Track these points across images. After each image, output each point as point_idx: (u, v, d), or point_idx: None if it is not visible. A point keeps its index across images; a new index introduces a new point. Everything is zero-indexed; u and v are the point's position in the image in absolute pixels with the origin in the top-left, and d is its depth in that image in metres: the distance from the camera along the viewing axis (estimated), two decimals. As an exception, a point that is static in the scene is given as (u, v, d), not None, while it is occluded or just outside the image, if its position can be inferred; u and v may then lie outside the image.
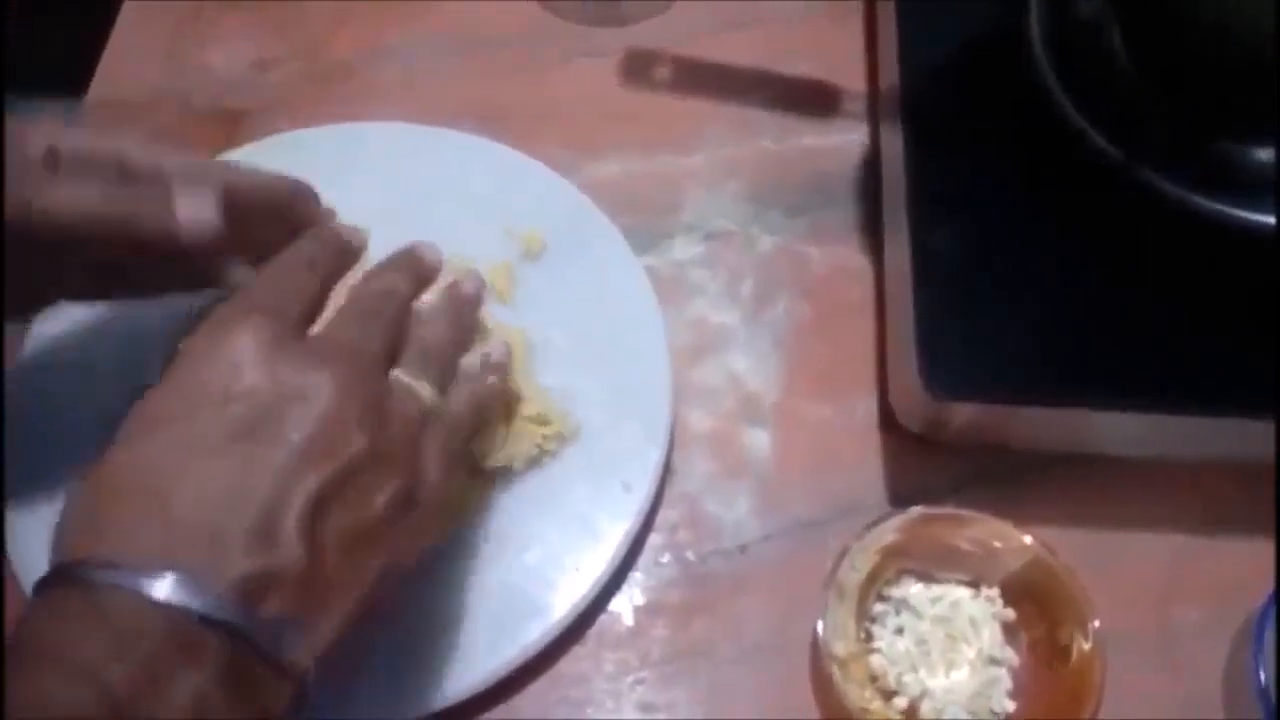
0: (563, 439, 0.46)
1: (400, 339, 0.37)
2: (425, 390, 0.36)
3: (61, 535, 0.31)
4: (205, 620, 0.29)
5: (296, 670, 0.31)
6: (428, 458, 0.35)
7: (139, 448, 0.31)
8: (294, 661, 0.31)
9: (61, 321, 0.49)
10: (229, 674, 0.29)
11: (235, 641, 0.29)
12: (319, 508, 0.31)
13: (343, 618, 0.33)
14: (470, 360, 0.39)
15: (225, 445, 0.31)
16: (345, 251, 0.40)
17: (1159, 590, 0.45)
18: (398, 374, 0.36)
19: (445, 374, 0.38)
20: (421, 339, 0.38)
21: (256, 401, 0.32)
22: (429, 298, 0.40)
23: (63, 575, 0.29)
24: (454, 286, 0.41)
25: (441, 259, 0.41)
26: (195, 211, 0.37)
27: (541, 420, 0.46)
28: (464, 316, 0.40)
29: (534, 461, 0.46)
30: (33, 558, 0.43)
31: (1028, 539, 0.41)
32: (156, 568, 0.29)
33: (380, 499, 0.33)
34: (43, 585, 0.30)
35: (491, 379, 0.40)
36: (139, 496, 0.30)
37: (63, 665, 0.28)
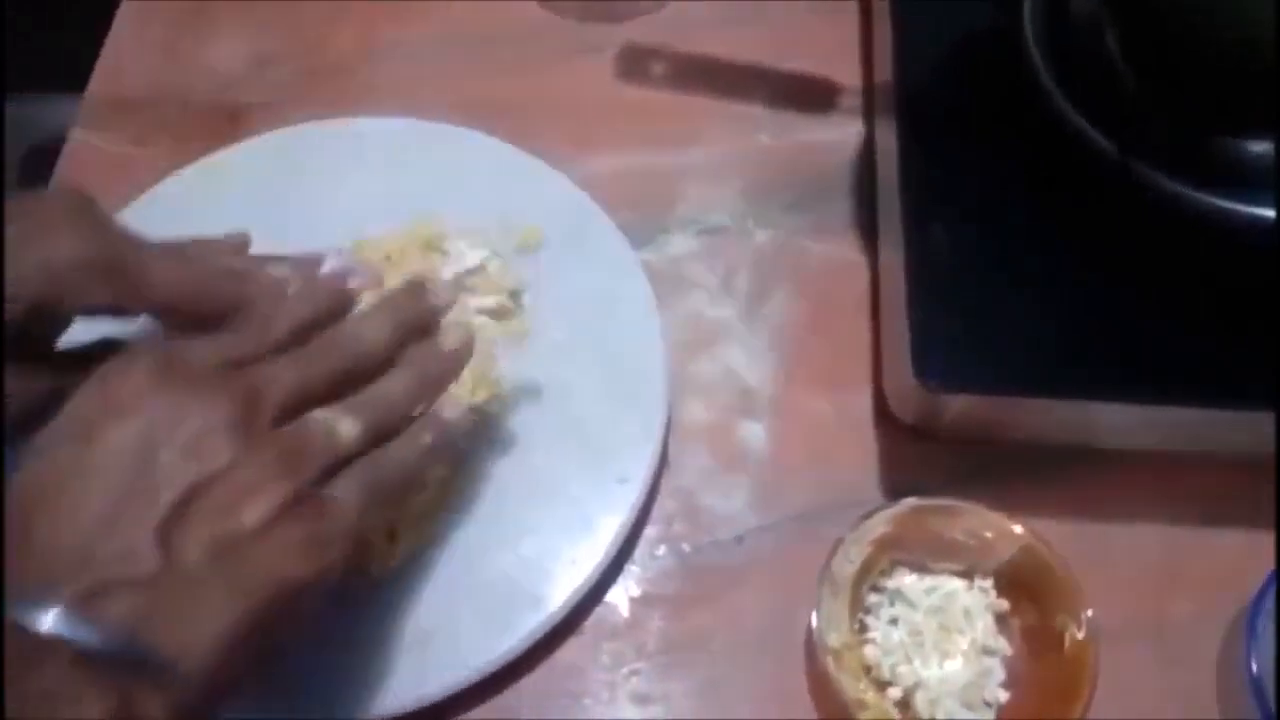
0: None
1: (350, 383, 0.37)
2: (346, 426, 0.35)
3: None
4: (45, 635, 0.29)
5: (170, 680, 0.30)
6: (341, 486, 0.35)
7: (20, 482, 0.32)
8: (161, 669, 0.30)
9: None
10: (79, 674, 0.29)
11: (78, 648, 0.29)
12: (177, 515, 0.31)
13: (224, 632, 0.31)
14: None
15: (96, 473, 0.32)
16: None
17: (1154, 582, 0.45)
18: (319, 411, 0.35)
19: (383, 423, 0.37)
20: (376, 389, 0.37)
21: (127, 429, 0.32)
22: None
23: None
24: (435, 353, 0.39)
25: (446, 306, 0.40)
26: None
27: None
28: (433, 378, 0.39)
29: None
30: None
31: (1018, 528, 0.42)
32: (25, 596, 0.29)
33: (251, 513, 0.32)
34: None
35: (427, 440, 0.38)
36: (14, 530, 0.31)
37: None
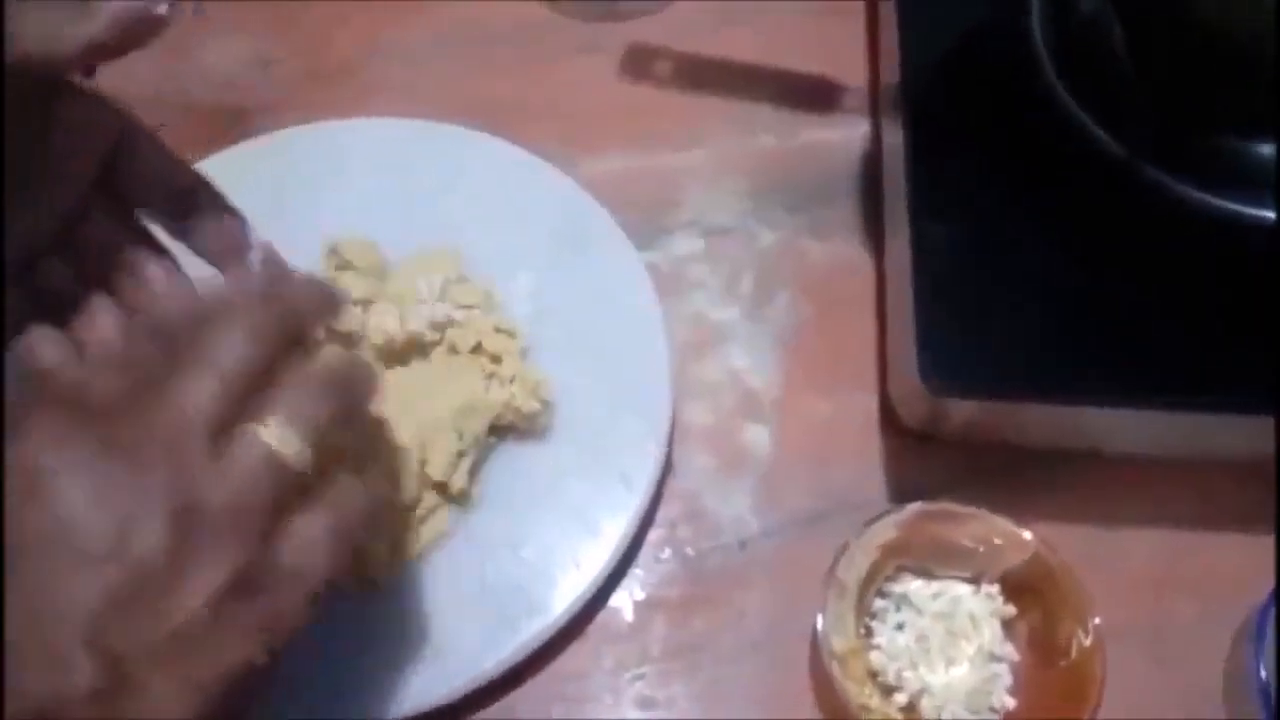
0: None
1: (270, 382, 0.31)
2: (292, 445, 0.30)
3: None
4: None
5: None
6: (294, 533, 0.30)
7: None
8: None
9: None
10: None
11: None
12: (107, 620, 0.27)
13: None
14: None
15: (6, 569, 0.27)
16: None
17: (1157, 586, 0.45)
18: (253, 429, 0.30)
19: (322, 439, 0.31)
20: (301, 396, 0.31)
21: (34, 513, 0.28)
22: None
23: None
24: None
25: (340, 307, 0.35)
26: None
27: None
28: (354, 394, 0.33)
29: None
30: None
31: (1027, 535, 0.41)
32: None
33: (194, 598, 0.28)
34: None
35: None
36: None
37: None
